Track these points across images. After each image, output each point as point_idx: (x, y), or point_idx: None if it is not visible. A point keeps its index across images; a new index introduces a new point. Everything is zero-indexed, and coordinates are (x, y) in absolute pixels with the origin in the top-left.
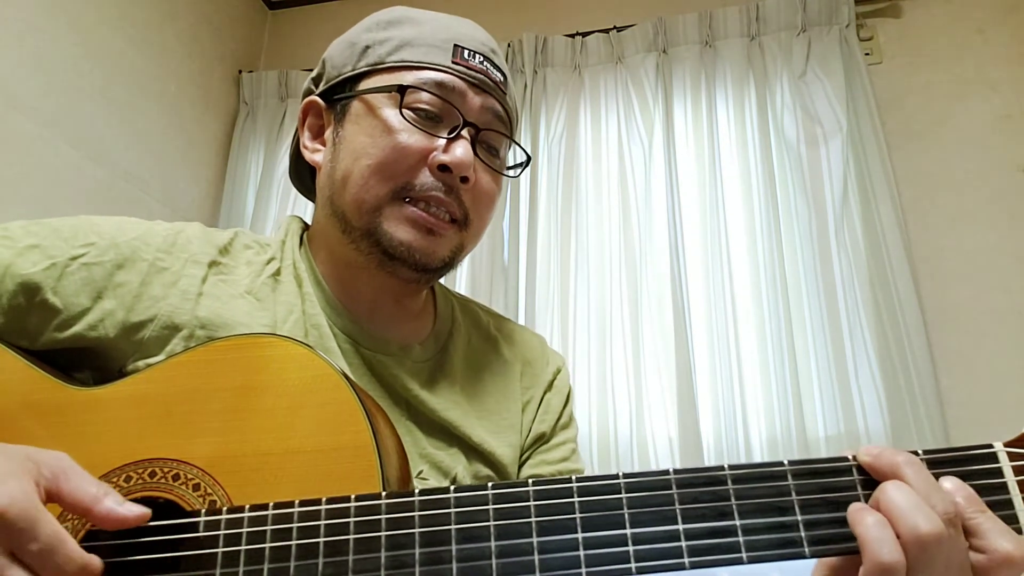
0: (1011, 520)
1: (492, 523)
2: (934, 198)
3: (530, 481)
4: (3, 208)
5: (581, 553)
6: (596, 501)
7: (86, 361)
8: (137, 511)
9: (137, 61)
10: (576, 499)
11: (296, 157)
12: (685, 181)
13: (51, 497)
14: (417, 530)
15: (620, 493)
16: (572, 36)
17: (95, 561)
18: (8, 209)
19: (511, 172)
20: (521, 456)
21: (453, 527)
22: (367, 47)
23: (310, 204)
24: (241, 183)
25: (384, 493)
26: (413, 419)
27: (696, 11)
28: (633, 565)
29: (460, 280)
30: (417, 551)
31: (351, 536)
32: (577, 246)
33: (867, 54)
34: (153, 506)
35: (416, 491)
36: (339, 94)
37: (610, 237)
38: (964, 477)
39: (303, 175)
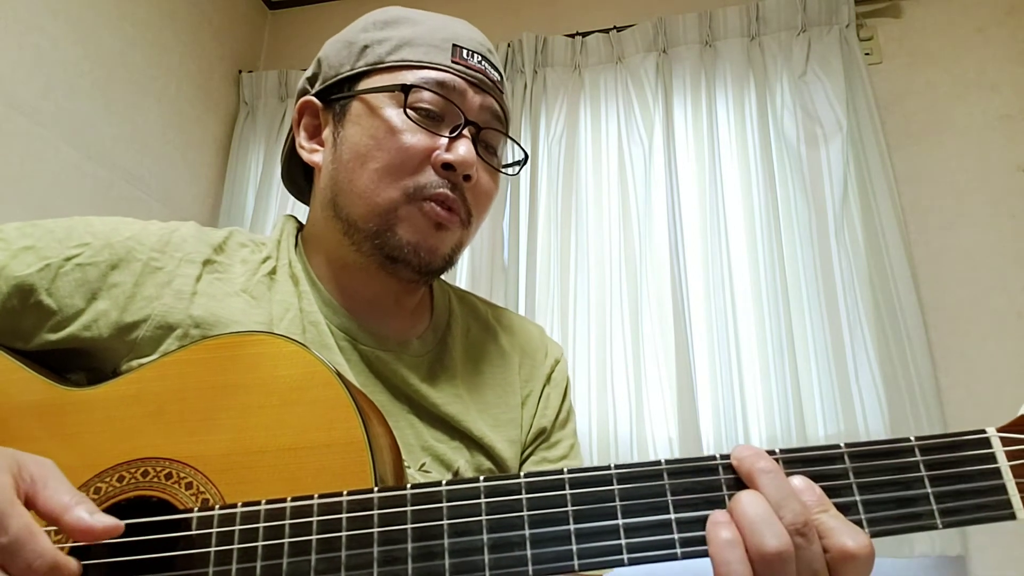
0: (1005, 506)
1: (484, 517)
2: (934, 198)
3: (522, 474)
4: (2, 208)
5: (573, 546)
6: (588, 493)
7: (80, 362)
8: (107, 523)
9: (137, 61)
10: (568, 491)
11: (288, 159)
12: (685, 181)
13: (28, 502)
14: (409, 525)
15: (612, 484)
16: (572, 36)
17: (69, 562)
18: (7, 209)
19: (509, 170)
20: (523, 452)
21: (445, 521)
22: (365, 47)
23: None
24: (241, 183)
25: (376, 489)
26: (415, 413)
27: (696, 11)
28: (625, 556)
29: (460, 280)
30: (409, 545)
31: (343, 533)
32: (577, 246)
33: (867, 54)
34: (146, 505)
35: (408, 485)
36: (337, 94)
37: (610, 237)
38: (958, 463)
39: (296, 177)
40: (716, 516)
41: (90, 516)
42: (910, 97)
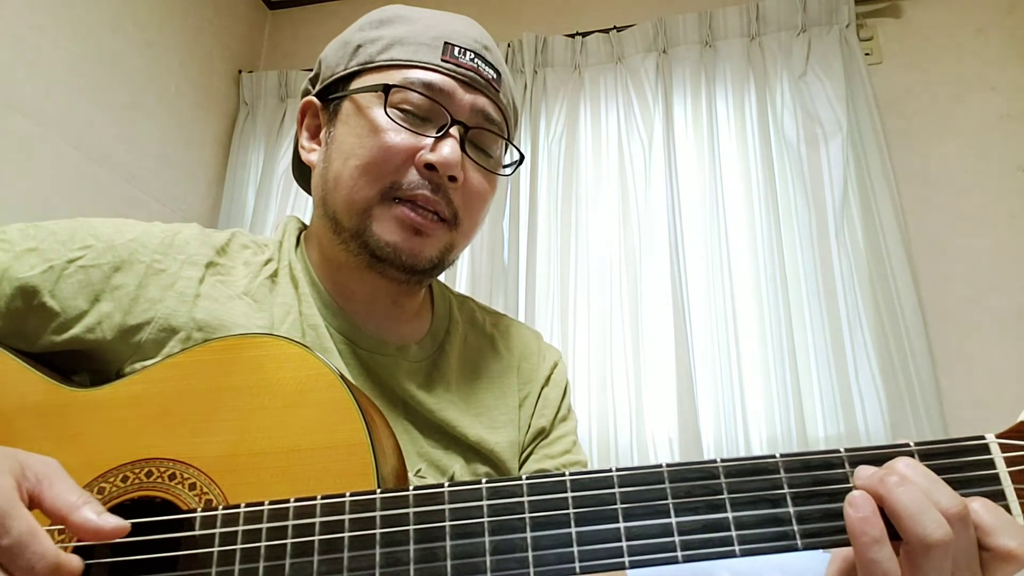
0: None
1: (486, 519)
2: (934, 198)
3: (523, 476)
4: (2, 208)
5: (575, 548)
6: (589, 496)
7: (84, 363)
8: (114, 523)
9: (137, 61)
10: (569, 494)
11: (298, 157)
12: (685, 181)
13: (33, 501)
14: (412, 527)
15: (613, 487)
16: (572, 36)
17: (71, 561)
18: (8, 209)
19: (505, 170)
20: (522, 453)
21: (447, 523)
22: (359, 46)
23: (311, 204)
24: (241, 183)
25: (379, 490)
26: (410, 419)
27: (696, 11)
28: (627, 560)
29: (460, 280)
30: (412, 547)
31: (346, 533)
32: (577, 246)
33: (867, 54)
34: (150, 505)
35: (410, 487)
36: (333, 94)
37: (610, 237)
38: (957, 468)
39: (306, 174)
40: (856, 501)
41: (97, 516)
42: (910, 97)
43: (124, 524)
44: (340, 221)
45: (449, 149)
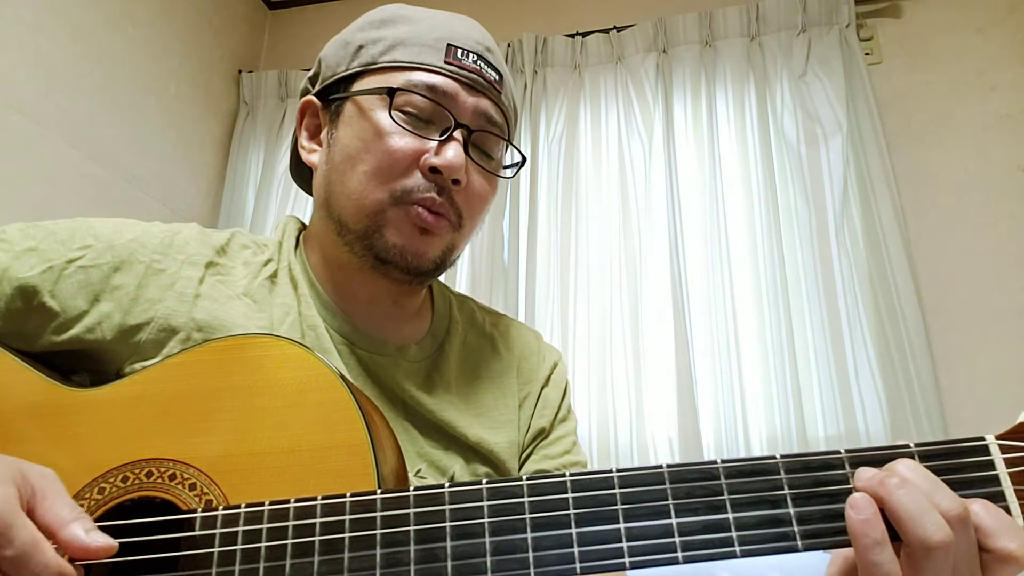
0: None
1: (486, 520)
2: (934, 198)
3: (524, 477)
4: (2, 208)
5: (575, 549)
6: (590, 496)
7: (84, 363)
8: (101, 543)
9: (137, 61)
10: (570, 494)
11: (297, 156)
12: (685, 181)
13: (27, 513)
14: (412, 527)
15: (613, 488)
16: (572, 36)
17: (73, 572)
18: (8, 209)
19: (506, 172)
20: (522, 453)
21: (448, 524)
22: (360, 47)
23: (310, 204)
24: (241, 183)
25: (379, 491)
26: (410, 419)
27: (696, 11)
28: (627, 560)
29: (460, 280)
30: (412, 548)
31: (346, 534)
32: (577, 246)
33: (867, 54)
34: (150, 506)
35: (411, 488)
36: (334, 94)
37: (610, 237)
38: (956, 470)
39: (304, 173)
40: (857, 503)
41: (86, 534)
42: (910, 97)
43: (112, 544)
44: (346, 223)
45: (453, 153)
